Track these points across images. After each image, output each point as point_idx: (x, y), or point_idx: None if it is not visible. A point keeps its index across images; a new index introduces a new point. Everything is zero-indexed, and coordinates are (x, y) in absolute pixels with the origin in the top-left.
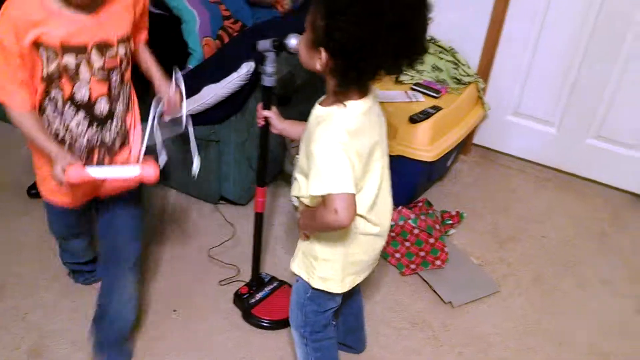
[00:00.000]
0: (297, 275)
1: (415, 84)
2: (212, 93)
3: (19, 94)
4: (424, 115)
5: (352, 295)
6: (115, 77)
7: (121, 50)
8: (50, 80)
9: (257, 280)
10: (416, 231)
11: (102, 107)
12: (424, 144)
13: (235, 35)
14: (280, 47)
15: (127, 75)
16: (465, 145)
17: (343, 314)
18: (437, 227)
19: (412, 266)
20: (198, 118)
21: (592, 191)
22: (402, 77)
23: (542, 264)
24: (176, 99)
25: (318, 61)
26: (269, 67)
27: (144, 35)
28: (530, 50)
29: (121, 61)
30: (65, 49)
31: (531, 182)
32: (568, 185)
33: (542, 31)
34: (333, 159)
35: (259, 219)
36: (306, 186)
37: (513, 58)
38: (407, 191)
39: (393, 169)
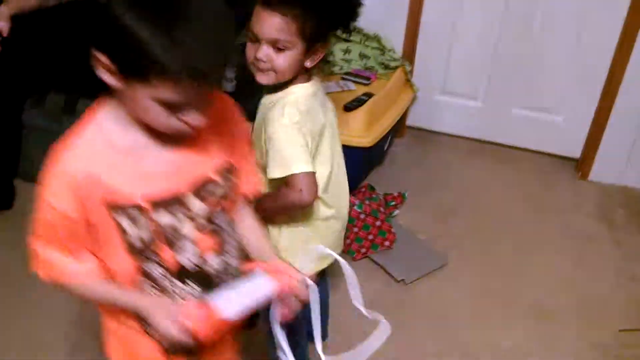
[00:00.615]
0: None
1: (346, 74)
2: None
3: (80, 264)
4: (358, 102)
5: (319, 285)
6: (222, 221)
7: (224, 184)
8: (140, 252)
9: None
10: (362, 216)
11: (213, 265)
12: (361, 131)
13: None
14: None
15: (232, 210)
16: (399, 128)
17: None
18: (382, 209)
19: (363, 250)
20: None
21: (521, 157)
22: (332, 69)
23: (484, 231)
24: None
25: (312, 58)
26: (230, 72)
27: (251, 187)
28: (450, 30)
29: (225, 197)
30: (154, 205)
31: (465, 156)
32: (499, 155)
33: (460, 10)
34: (291, 139)
35: None
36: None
37: (435, 39)
38: (349, 178)
39: None
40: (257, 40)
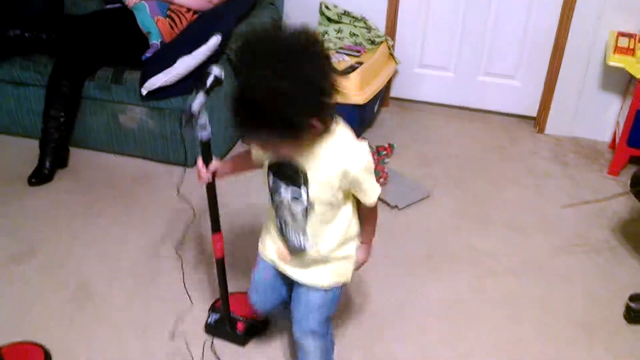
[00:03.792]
0: (326, 287)
1: (340, 48)
2: (184, 64)
3: None
4: (352, 68)
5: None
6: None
7: None
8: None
9: (230, 321)
10: None
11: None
12: (355, 90)
13: (197, 15)
14: (215, 85)
15: None
16: (384, 99)
17: None
18: (375, 157)
19: None
20: (173, 90)
21: (487, 119)
22: (327, 45)
23: (459, 173)
24: None
25: (310, 132)
26: (203, 119)
27: None
28: (424, 11)
29: None
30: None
31: (441, 119)
32: (469, 117)
33: None
34: (372, 172)
35: (221, 265)
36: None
37: (411, 19)
38: None
39: None
40: None
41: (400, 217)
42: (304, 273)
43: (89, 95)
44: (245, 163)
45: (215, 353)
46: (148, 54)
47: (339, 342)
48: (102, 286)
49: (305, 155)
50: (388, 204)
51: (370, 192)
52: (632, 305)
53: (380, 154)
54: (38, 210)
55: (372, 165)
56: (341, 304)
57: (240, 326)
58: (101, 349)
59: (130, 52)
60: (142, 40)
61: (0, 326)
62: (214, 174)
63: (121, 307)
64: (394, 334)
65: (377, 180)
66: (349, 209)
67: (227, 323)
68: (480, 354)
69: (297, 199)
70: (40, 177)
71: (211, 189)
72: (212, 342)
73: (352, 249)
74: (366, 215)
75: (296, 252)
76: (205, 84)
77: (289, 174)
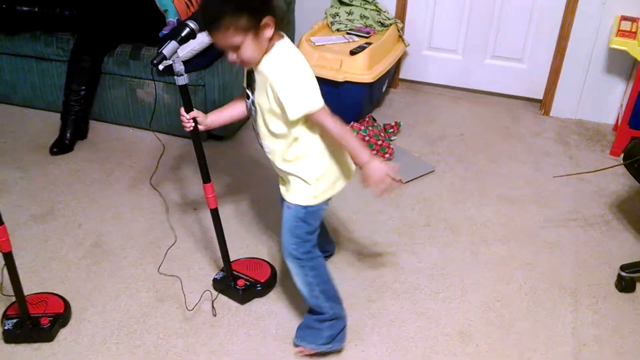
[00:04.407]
0: (289, 203)
1: (350, 30)
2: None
3: None
4: (361, 48)
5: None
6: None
7: None
8: None
9: (232, 276)
10: (367, 138)
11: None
12: (364, 69)
13: None
14: (189, 36)
15: None
16: (393, 80)
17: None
18: (382, 134)
19: None
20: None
21: (494, 101)
22: (338, 26)
23: (463, 151)
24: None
25: (266, 31)
26: (179, 65)
27: None
28: None
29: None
30: None
31: (448, 101)
32: (476, 99)
33: None
34: (301, 82)
35: (215, 214)
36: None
37: (421, 2)
38: (355, 110)
39: (342, 93)
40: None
41: (403, 190)
42: (281, 187)
43: (108, 71)
44: (235, 107)
45: (213, 307)
46: (165, 31)
47: None
48: (116, 245)
49: (257, 66)
50: (392, 178)
51: (288, 106)
52: (624, 274)
53: (387, 131)
54: (59, 177)
55: (297, 79)
56: (342, 262)
57: (240, 282)
58: (115, 299)
59: (148, 29)
60: (160, 18)
61: (24, 278)
62: (196, 121)
63: (133, 263)
64: (389, 291)
65: (383, 155)
66: (298, 125)
67: (230, 277)
68: (469, 310)
69: (252, 106)
70: (61, 147)
71: (196, 137)
72: (216, 297)
73: (307, 173)
74: (328, 134)
75: (269, 156)
76: (179, 33)
77: (249, 81)
